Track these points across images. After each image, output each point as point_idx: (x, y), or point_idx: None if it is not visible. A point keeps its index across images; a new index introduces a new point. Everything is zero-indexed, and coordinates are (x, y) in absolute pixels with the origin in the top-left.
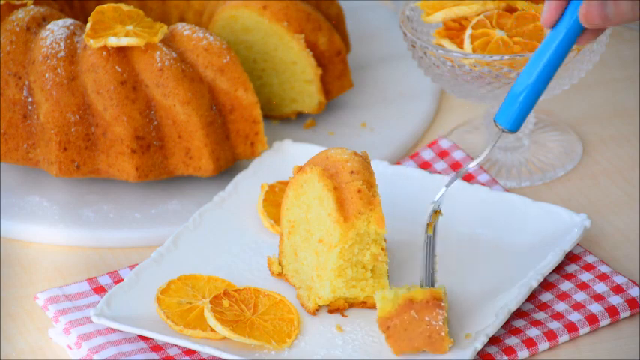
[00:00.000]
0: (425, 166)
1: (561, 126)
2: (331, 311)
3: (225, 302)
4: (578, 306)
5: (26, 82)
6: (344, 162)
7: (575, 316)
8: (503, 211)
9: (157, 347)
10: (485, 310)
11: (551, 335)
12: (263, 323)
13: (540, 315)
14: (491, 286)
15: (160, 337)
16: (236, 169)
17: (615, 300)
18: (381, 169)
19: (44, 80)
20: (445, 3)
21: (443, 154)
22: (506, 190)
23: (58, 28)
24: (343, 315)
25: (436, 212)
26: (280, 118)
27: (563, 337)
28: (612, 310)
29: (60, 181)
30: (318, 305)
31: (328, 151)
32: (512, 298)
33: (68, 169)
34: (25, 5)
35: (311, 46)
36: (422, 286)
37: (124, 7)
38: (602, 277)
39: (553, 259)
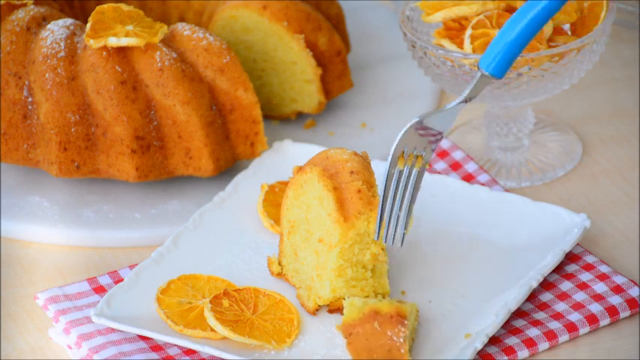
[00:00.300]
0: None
1: (561, 126)
2: (331, 311)
3: (225, 302)
4: (578, 306)
5: (26, 82)
6: (344, 162)
7: (575, 316)
8: (503, 211)
9: (157, 347)
10: (485, 310)
11: (551, 335)
12: (263, 323)
13: (540, 315)
14: (491, 286)
15: (159, 337)
16: (236, 169)
17: (615, 300)
18: (381, 169)
19: (44, 80)
20: (445, 3)
21: (443, 154)
22: (506, 190)
23: (58, 28)
24: (343, 315)
25: (417, 157)
26: (280, 118)
27: (563, 337)
28: (612, 310)
29: (60, 181)
30: (318, 305)
31: (328, 151)
32: (512, 298)
33: (68, 169)
34: (25, 5)
35: (311, 46)
36: (384, 241)
37: (124, 7)
38: (602, 277)
39: (553, 259)
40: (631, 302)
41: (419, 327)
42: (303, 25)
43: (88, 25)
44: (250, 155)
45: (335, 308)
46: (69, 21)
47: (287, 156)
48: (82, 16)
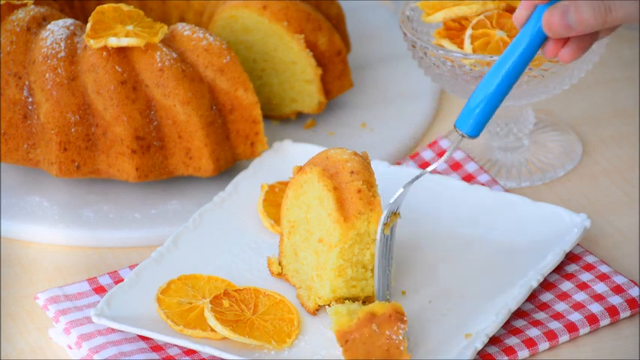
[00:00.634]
0: (425, 166)
1: (561, 126)
2: None
3: (226, 302)
4: (578, 306)
5: (26, 82)
6: (344, 162)
7: (575, 316)
8: (503, 211)
9: (157, 347)
10: (485, 310)
11: (551, 335)
12: (263, 323)
13: (540, 315)
14: (491, 286)
15: (160, 337)
16: (236, 169)
17: (615, 300)
18: (381, 169)
19: (44, 80)
20: (445, 3)
21: (443, 154)
22: (506, 190)
23: (58, 29)
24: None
25: (395, 214)
26: (280, 118)
27: (564, 338)
28: (612, 310)
29: (60, 181)
30: (318, 305)
31: (328, 151)
32: (512, 298)
33: (68, 169)
34: (25, 5)
35: (311, 46)
36: (377, 298)
37: (124, 7)
38: (603, 277)
39: (553, 259)
40: (631, 302)
41: (420, 327)
42: (303, 25)
43: (88, 25)
44: (250, 155)
45: None
46: (69, 21)
47: (287, 156)
48: (82, 16)
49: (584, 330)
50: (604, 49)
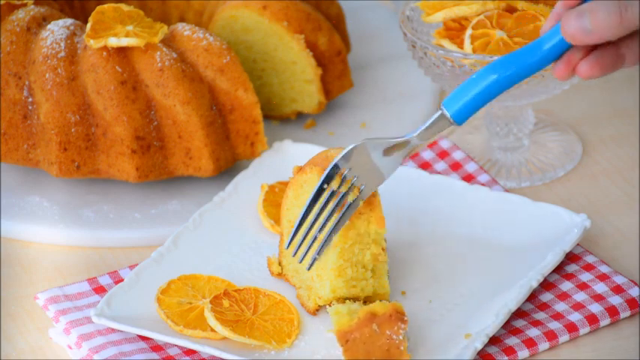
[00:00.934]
0: (425, 166)
1: (561, 126)
2: None
3: (226, 302)
4: (578, 306)
5: (26, 83)
6: None
7: (575, 317)
8: (503, 211)
9: (157, 347)
10: (485, 310)
11: (551, 335)
12: (263, 323)
13: (540, 315)
14: (491, 286)
15: (160, 338)
16: (236, 169)
17: (615, 300)
18: None
19: (44, 80)
20: (445, 3)
21: (443, 154)
22: (506, 190)
23: (58, 29)
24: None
25: (354, 187)
26: (280, 118)
27: (564, 338)
28: (612, 311)
29: (60, 181)
30: (319, 305)
31: (328, 151)
32: (512, 298)
33: (68, 169)
34: (25, 5)
35: (311, 46)
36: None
37: (124, 7)
38: (603, 277)
39: (553, 259)
40: (631, 302)
41: (420, 327)
42: (303, 25)
43: (88, 26)
44: (250, 155)
45: None
46: (69, 21)
47: (287, 156)
48: (82, 16)
49: (584, 330)
50: None
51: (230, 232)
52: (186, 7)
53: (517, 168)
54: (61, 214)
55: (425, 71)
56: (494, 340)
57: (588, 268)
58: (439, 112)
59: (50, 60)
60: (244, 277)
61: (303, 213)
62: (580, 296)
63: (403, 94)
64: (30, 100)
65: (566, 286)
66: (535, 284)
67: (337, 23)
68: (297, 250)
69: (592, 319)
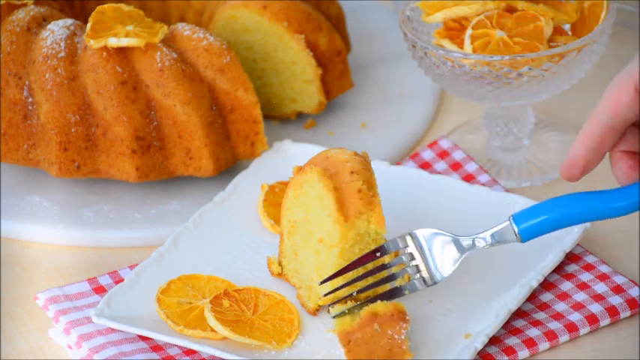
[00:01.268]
0: (425, 166)
1: (561, 126)
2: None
3: (226, 302)
4: (578, 306)
5: (26, 83)
6: (344, 162)
7: (575, 317)
8: (503, 211)
9: (157, 347)
10: (485, 310)
11: (551, 335)
12: (263, 323)
13: (540, 315)
14: (491, 286)
15: (160, 338)
16: (236, 169)
17: (615, 300)
18: (381, 169)
19: (44, 80)
20: (445, 3)
21: (443, 154)
22: (507, 190)
23: (58, 29)
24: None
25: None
26: (280, 118)
27: (564, 338)
28: (612, 311)
29: (60, 181)
30: (319, 305)
31: (328, 151)
32: (513, 298)
33: (68, 169)
34: (25, 5)
35: (311, 46)
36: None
37: (124, 7)
38: (603, 277)
39: (553, 259)
40: (631, 302)
41: (420, 327)
42: (303, 25)
43: (88, 26)
44: (250, 155)
45: None
46: (69, 21)
47: (287, 156)
48: (82, 16)
49: (584, 330)
50: (604, 49)
51: (230, 232)
52: (186, 7)
53: (517, 168)
54: (61, 214)
55: (425, 71)
56: (494, 340)
57: (588, 268)
58: (506, 222)
59: (50, 60)
60: (244, 277)
61: (352, 262)
62: (580, 296)
63: (403, 94)
64: (30, 100)
65: (566, 286)
66: (535, 284)
67: (337, 23)
68: (329, 293)
69: (592, 319)
